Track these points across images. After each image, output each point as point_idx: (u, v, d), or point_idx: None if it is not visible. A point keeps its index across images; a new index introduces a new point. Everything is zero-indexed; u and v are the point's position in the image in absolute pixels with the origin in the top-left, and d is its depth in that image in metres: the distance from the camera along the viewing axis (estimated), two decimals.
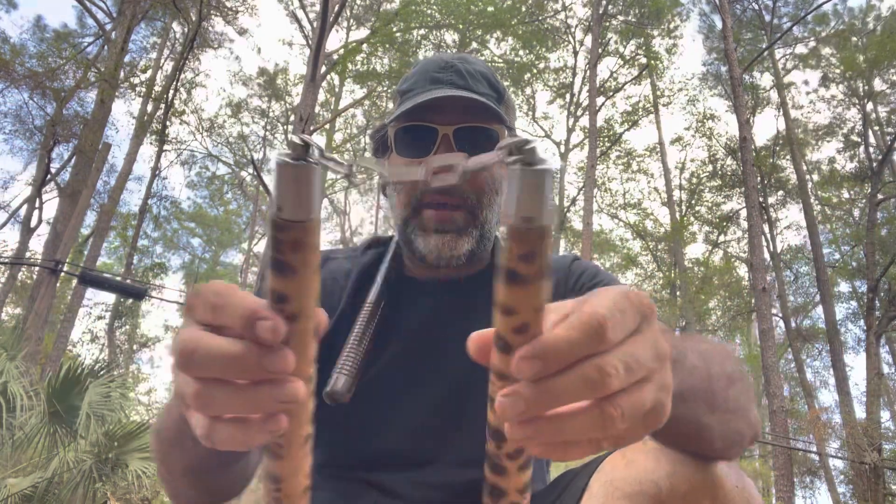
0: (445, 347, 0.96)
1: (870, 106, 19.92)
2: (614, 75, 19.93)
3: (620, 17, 19.40)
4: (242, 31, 19.37)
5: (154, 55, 18.91)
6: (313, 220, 0.38)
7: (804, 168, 19.88)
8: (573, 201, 20.04)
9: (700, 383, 0.58)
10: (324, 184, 0.39)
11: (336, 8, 13.19)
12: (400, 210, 0.98)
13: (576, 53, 20.11)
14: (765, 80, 20.94)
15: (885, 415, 17.05)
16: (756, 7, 19.91)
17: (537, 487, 1.00)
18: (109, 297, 19.87)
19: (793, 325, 20.07)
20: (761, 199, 19.20)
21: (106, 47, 16.23)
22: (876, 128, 20.15)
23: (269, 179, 0.38)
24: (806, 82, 21.59)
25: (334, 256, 1.10)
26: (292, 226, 0.38)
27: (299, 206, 0.37)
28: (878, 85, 19.71)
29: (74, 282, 14.30)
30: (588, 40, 18.92)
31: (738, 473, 0.64)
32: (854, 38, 20.10)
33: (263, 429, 0.37)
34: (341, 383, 0.85)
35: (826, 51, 20.77)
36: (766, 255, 18.97)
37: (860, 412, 15.57)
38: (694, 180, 21.30)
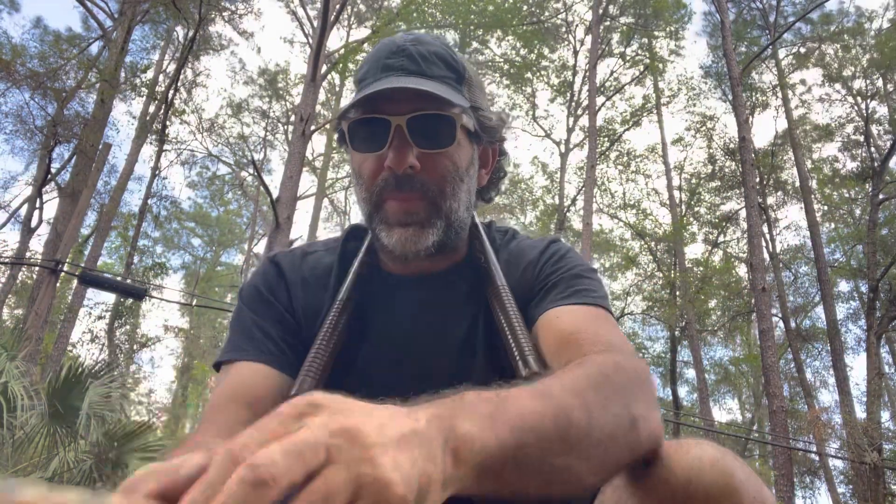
0: (421, 345, 0.96)
1: (872, 105, 19.91)
2: (615, 75, 19.94)
3: (622, 19, 19.39)
4: (243, 33, 19.38)
5: (156, 56, 18.94)
6: None
7: (806, 168, 19.88)
8: (573, 201, 20.03)
9: (537, 437, 0.53)
10: None
11: (337, 7, 13.20)
12: (363, 203, 0.95)
13: (576, 53, 20.12)
14: (768, 79, 20.93)
15: (885, 415, 17.05)
16: (759, 6, 19.89)
17: None
18: (110, 297, 19.88)
19: (792, 325, 20.05)
20: (760, 200, 19.19)
21: (107, 48, 16.24)
22: (878, 127, 20.13)
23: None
24: (803, 81, 21.37)
25: (313, 250, 1.06)
26: None
27: None
28: (881, 84, 19.70)
29: (74, 282, 14.30)
30: (588, 39, 18.92)
31: (757, 484, 0.62)
32: (859, 39, 20.07)
33: None
34: (306, 386, 0.85)
35: (829, 51, 20.74)
36: (766, 255, 18.96)
37: (860, 412, 15.58)
38: (694, 181, 21.29)
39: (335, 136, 1.04)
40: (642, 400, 0.64)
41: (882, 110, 20.00)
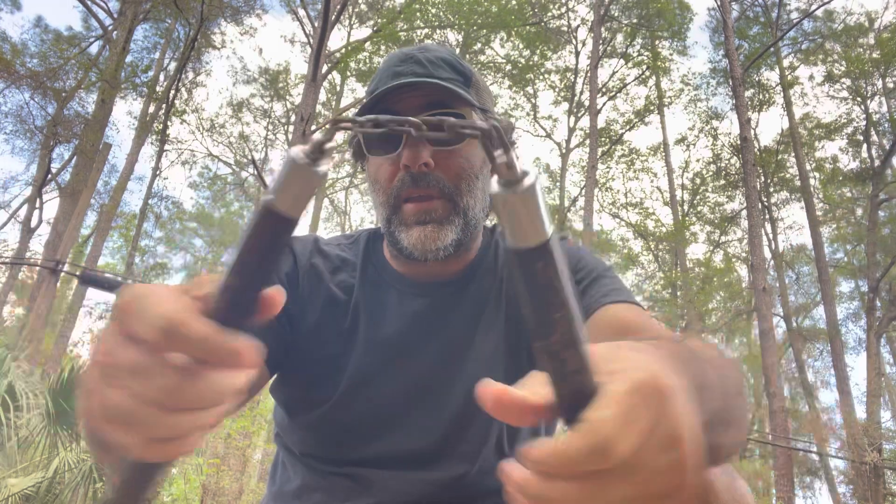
0: (430, 348, 0.97)
1: (873, 105, 19.90)
2: (616, 75, 19.94)
3: (624, 21, 19.39)
4: (245, 32, 19.37)
5: (157, 55, 18.93)
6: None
7: (807, 167, 19.86)
8: (573, 201, 20.03)
9: (718, 404, 0.53)
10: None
11: (338, 7, 13.20)
12: (380, 208, 0.97)
13: (577, 54, 20.12)
14: (772, 77, 20.88)
15: (885, 415, 17.06)
16: (762, 2, 19.84)
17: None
18: (110, 297, 19.88)
19: (794, 324, 20.05)
20: (764, 199, 19.18)
21: (107, 47, 16.24)
22: (880, 126, 20.10)
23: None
24: (811, 77, 21.26)
25: (327, 242, 1.08)
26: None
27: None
28: (881, 84, 19.68)
29: (75, 282, 14.31)
30: (590, 40, 18.92)
31: (729, 477, 0.60)
32: (861, 39, 20.06)
33: (185, 446, 0.38)
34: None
35: (834, 49, 20.68)
36: (768, 255, 18.96)
37: (861, 412, 15.58)
38: (697, 180, 21.29)
39: (349, 151, 1.06)
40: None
41: (882, 110, 20.00)
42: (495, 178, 0.35)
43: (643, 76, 19.74)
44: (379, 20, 17.27)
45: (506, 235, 0.36)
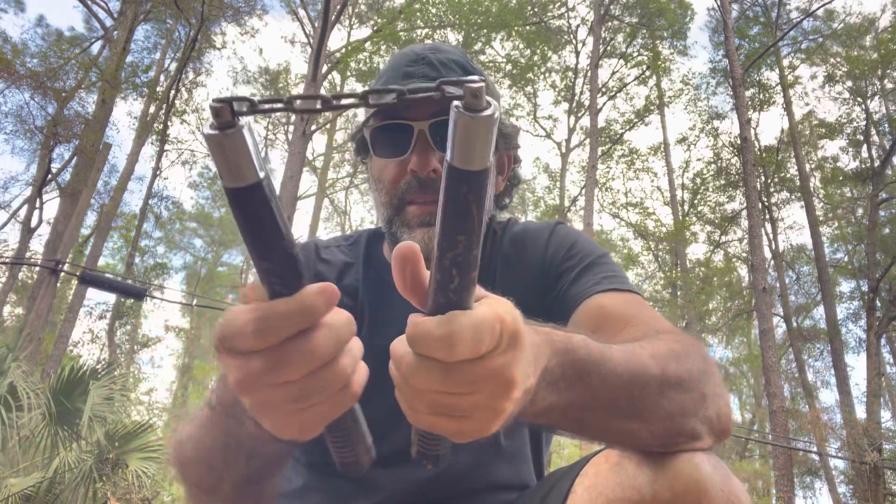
0: None
1: (873, 105, 19.88)
2: (616, 75, 19.93)
3: (625, 20, 19.38)
4: (245, 32, 19.37)
5: (157, 55, 18.91)
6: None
7: (807, 167, 19.84)
8: (573, 201, 20.02)
9: (616, 393, 0.58)
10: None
11: (338, 7, 13.19)
12: (382, 208, 0.97)
13: (577, 53, 20.11)
14: (772, 77, 20.84)
15: (885, 415, 17.05)
16: (762, 2, 19.80)
17: (528, 484, 1.01)
18: (110, 298, 19.90)
19: (794, 324, 20.04)
20: (764, 199, 19.16)
21: (108, 47, 16.23)
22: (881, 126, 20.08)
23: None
24: (813, 77, 21.26)
25: (326, 245, 1.09)
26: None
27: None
28: (881, 84, 19.66)
29: (75, 282, 14.30)
30: (590, 39, 18.91)
31: (724, 475, 0.62)
32: (862, 38, 20.03)
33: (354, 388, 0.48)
34: None
35: (833, 49, 20.64)
36: (768, 255, 18.94)
37: (861, 412, 15.57)
38: (697, 180, 21.27)
39: (352, 147, 1.06)
40: (713, 380, 0.67)
41: (882, 110, 19.98)
42: (461, 102, 0.38)
43: (643, 76, 19.74)
44: (379, 20, 17.26)
45: (451, 153, 0.39)
